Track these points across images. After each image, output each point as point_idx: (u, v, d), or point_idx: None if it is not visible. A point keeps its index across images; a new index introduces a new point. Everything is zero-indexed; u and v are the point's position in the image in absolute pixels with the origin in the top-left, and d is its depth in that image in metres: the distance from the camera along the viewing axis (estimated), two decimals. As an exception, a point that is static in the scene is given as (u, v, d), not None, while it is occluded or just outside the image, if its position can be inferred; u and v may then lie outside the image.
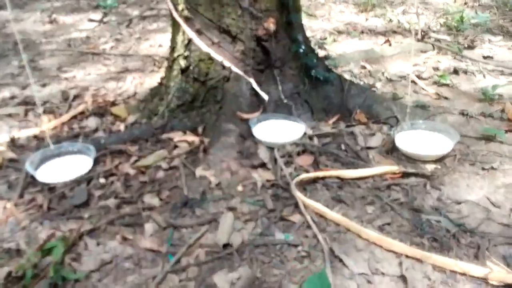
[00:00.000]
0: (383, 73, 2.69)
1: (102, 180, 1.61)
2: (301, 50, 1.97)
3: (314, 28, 3.85)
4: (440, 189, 1.52)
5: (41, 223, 1.41)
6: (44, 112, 2.27)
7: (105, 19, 4.58)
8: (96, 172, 1.65)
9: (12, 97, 2.48)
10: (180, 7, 1.92)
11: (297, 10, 2.00)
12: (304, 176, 1.54)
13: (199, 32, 1.91)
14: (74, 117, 2.20)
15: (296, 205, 1.43)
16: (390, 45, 3.27)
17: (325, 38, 3.50)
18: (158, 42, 3.66)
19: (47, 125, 2.07)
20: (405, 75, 2.67)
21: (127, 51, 3.48)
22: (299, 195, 1.44)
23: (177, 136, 1.88)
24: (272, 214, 1.41)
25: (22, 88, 2.63)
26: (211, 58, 1.91)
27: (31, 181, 1.61)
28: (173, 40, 2.05)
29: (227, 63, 1.91)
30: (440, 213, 1.40)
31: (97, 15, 4.87)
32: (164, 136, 1.90)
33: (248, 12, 1.84)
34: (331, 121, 2.05)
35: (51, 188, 1.57)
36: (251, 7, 1.83)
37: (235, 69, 1.91)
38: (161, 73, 2.86)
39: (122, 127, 2.03)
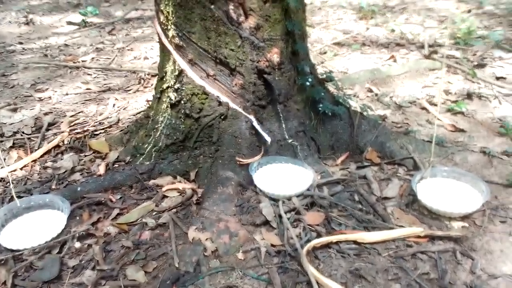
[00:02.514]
0: (391, 98, 2.48)
1: (77, 244, 1.36)
2: (308, 83, 1.74)
3: (312, 39, 3.62)
4: (472, 258, 1.32)
5: (2, 307, 1.16)
6: (14, 146, 2.00)
7: (85, 24, 4.26)
8: (71, 232, 1.40)
9: (-23, 126, 2.20)
10: (170, 33, 1.67)
11: (303, 37, 1.77)
12: (316, 242, 1.32)
13: (192, 63, 1.67)
14: (48, 151, 1.93)
15: (309, 283, 1.21)
16: (395, 61, 3.07)
17: (325, 52, 3.28)
18: (144, 53, 3.39)
19: (14, 165, 1.80)
20: (415, 99, 2.46)
21: (109, 64, 3.19)
22: (312, 271, 1.21)
23: (166, 183, 1.64)
24: (280, 296, 1.19)
25: (-10, 112, 2.35)
26: (205, 93, 1.67)
27: (-7, 245, 1.36)
28: (162, 69, 1.80)
29: (224, 99, 1.67)
30: (476, 291, 1.20)
31: (76, 17, 4.55)
32: (151, 182, 1.65)
33: (249, 42, 1.60)
34: (339, 161, 1.84)
35: (17, 256, 1.31)
36: (252, 36, 1.59)
37: (233, 105, 1.67)
38: (147, 94, 2.61)
39: (102, 167, 1.78)
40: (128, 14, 4.67)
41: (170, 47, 1.71)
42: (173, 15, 1.63)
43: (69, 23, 4.46)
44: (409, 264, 1.29)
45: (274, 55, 1.64)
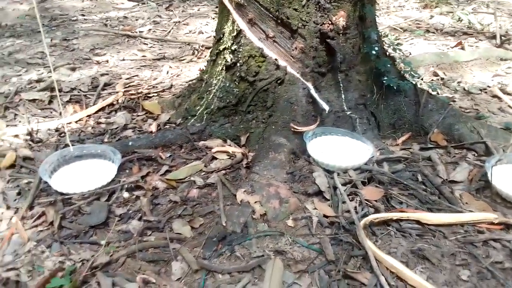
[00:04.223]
0: (459, 83, 2.28)
1: (125, 195, 1.34)
2: (374, 52, 1.62)
3: (372, 23, 3.44)
4: (554, 252, 1.15)
5: (50, 246, 1.16)
6: (70, 101, 2.04)
7: (144, 2, 4.33)
8: (120, 182, 1.38)
9: (39, 80, 2.26)
10: (231, -9, 1.61)
11: (373, 1, 1.64)
12: (374, 217, 1.21)
13: (251, 23, 1.59)
14: (102, 108, 1.95)
15: (365, 258, 1.11)
16: (463, 48, 2.83)
17: (386, 35, 3.09)
18: (199, 28, 3.37)
19: (69, 118, 1.82)
20: (486, 87, 2.25)
21: (165, 36, 3.21)
22: (370, 245, 1.11)
23: (216, 145, 1.59)
24: (332, 267, 1.09)
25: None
26: (263, 55, 1.60)
27: (45, 187, 1.37)
28: (220, 30, 1.74)
29: (282, 63, 1.59)
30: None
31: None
32: (201, 143, 1.61)
33: (314, 2, 1.50)
34: (400, 140, 1.70)
35: (66, 200, 1.31)
36: (319, -5, 1.49)
37: (291, 70, 1.59)
38: (200, 64, 2.58)
39: (153, 126, 1.76)
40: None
41: (230, 6, 1.64)
42: (236, -27, 1.57)
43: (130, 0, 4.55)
44: (480, 251, 1.15)
45: (340, 19, 1.52)
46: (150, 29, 3.36)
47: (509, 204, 1.34)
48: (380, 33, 1.75)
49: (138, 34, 3.19)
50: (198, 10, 4.11)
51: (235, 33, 1.64)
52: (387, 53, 1.78)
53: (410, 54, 2.76)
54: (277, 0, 1.52)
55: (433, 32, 3.25)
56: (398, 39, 3.07)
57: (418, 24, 3.46)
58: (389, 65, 1.67)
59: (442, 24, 3.47)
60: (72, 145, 1.53)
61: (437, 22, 3.52)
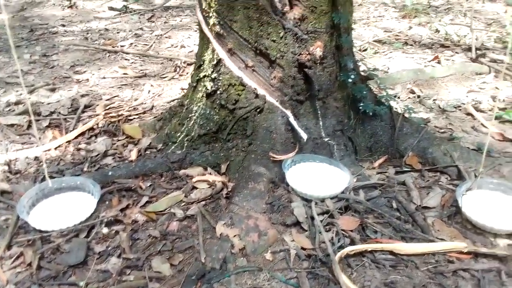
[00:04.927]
0: (434, 101, 2.35)
1: (105, 230, 1.35)
2: (350, 80, 1.66)
3: (352, 36, 3.49)
4: (519, 281, 1.21)
5: None
6: (50, 125, 2.03)
7: (126, 10, 4.30)
8: (100, 217, 1.39)
9: (17, 103, 2.24)
10: (211, 21, 1.62)
11: (348, 31, 1.68)
12: (349, 249, 1.25)
13: (231, 52, 1.62)
14: (82, 133, 1.94)
15: (340, 292, 1.15)
16: (439, 62, 2.91)
17: (365, 49, 3.16)
18: (181, 42, 3.38)
19: (48, 145, 1.81)
20: (460, 104, 2.32)
21: (147, 50, 3.20)
22: (345, 280, 1.15)
23: (196, 174, 1.61)
24: (309, 302, 1.13)
25: (30, 91, 2.39)
26: (242, 84, 1.62)
27: (23, 224, 1.36)
28: (200, 56, 1.75)
29: (261, 91, 1.61)
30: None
31: (118, 2, 4.60)
32: (182, 172, 1.62)
33: (292, 33, 1.53)
34: (377, 164, 1.74)
35: (44, 238, 1.31)
36: (296, 27, 1.52)
37: (270, 98, 1.61)
38: (182, 82, 2.59)
39: (134, 153, 1.76)
40: (168, 2, 4.68)
41: (210, 35, 1.66)
42: (215, 2, 1.59)
43: (111, 8, 4.51)
44: (449, 282, 1.20)
45: (317, 49, 1.56)
46: (131, 43, 3.35)
47: (479, 231, 1.39)
48: (356, 60, 1.78)
49: (119, 49, 3.18)
50: (181, 21, 4.11)
51: (215, 62, 1.66)
52: (364, 79, 1.82)
53: (388, 69, 2.82)
54: (256, 32, 1.55)
55: (411, 45, 3.32)
56: (377, 52, 3.14)
57: (397, 36, 3.53)
58: (365, 92, 1.71)
59: (420, 35, 3.55)
60: (51, 176, 1.52)
61: (415, 34, 3.60)
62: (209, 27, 1.65)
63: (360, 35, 3.52)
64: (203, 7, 1.66)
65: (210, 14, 1.63)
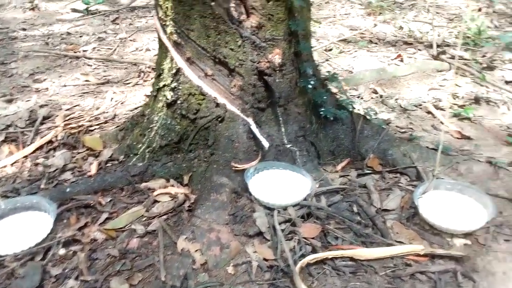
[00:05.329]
0: (396, 100, 2.39)
1: (62, 251, 1.31)
2: (310, 85, 1.67)
3: (318, 35, 3.52)
4: (473, 280, 1.25)
5: (-20, 316, 1.12)
6: (6, 140, 1.95)
7: (88, 12, 4.17)
8: (56, 238, 1.35)
9: (-29, 116, 2.14)
10: (168, 30, 1.59)
11: (307, 37, 1.69)
12: (310, 258, 1.26)
13: (190, 61, 1.60)
14: (40, 147, 1.88)
15: (301, 302, 1.16)
16: (402, 60, 2.97)
17: (331, 49, 3.18)
18: (146, 45, 3.31)
19: (4, 161, 1.75)
20: (421, 102, 2.38)
21: (110, 54, 3.12)
22: (304, 290, 1.16)
23: (158, 186, 1.58)
24: (270, 315, 1.13)
25: (-16, 103, 2.29)
26: (203, 93, 1.60)
27: (-25, 249, 1.31)
28: (159, 66, 1.72)
29: (221, 100, 1.60)
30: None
31: (82, 4, 4.46)
32: (143, 185, 1.60)
33: (249, 41, 1.52)
34: (340, 167, 1.77)
35: (-2, 262, 1.27)
36: (253, 35, 1.51)
37: (230, 107, 1.60)
38: (146, 88, 2.54)
39: (94, 166, 1.72)
40: (134, 1, 4.57)
41: (168, 44, 1.64)
42: (171, 11, 1.56)
43: (74, 10, 4.38)
44: (407, 285, 1.23)
45: (276, 56, 1.56)
46: (94, 48, 3.26)
47: (436, 232, 1.44)
48: (316, 66, 1.80)
49: (81, 54, 3.09)
50: (146, 22, 4.02)
51: (174, 71, 1.63)
52: (325, 84, 1.84)
53: (353, 68, 2.86)
54: (214, 40, 1.53)
55: (376, 43, 3.37)
56: (342, 52, 3.17)
57: (363, 34, 3.58)
58: (325, 97, 1.73)
59: (385, 33, 3.61)
60: (6, 196, 1.47)
61: (380, 31, 3.65)
62: (167, 35, 1.62)
63: (326, 34, 3.54)
64: (160, 15, 1.63)
65: (167, 23, 1.60)
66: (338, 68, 2.90)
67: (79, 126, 2.04)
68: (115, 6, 4.61)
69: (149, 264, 1.27)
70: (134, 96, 2.45)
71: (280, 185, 1.56)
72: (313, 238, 1.37)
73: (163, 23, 1.63)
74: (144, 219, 1.45)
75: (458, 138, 2.04)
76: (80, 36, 3.58)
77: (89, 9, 4.26)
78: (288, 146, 1.67)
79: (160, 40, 1.69)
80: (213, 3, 1.46)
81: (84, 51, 3.19)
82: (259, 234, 1.38)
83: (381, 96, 2.44)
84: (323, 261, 1.30)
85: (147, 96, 2.35)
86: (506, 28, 3.64)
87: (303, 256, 1.29)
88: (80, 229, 1.40)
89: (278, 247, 1.33)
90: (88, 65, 2.94)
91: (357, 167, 1.78)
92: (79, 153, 1.84)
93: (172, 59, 1.64)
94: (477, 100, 2.39)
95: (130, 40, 3.47)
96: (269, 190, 1.52)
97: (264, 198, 1.48)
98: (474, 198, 1.52)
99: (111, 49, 3.25)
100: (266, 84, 1.61)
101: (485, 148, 1.95)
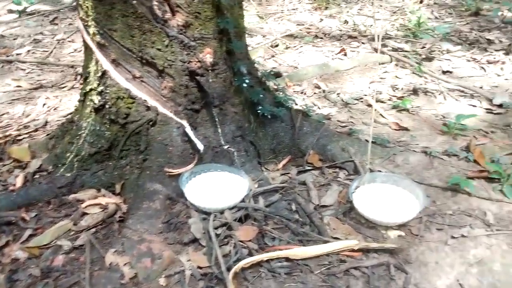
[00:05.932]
0: (338, 94, 2.42)
1: (-22, 275, 1.21)
2: (245, 84, 1.64)
3: (265, 31, 3.50)
4: (406, 272, 1.27)
5: None
6: None
7: (20, 15, 3.91)
8: (-28, 260, 1.24)
9: None
10: (91, 30, 1.51)
11: (240, 35, 1.65)
12: (244, 263, 1.24)
13: (116, 63, 1.52)
14: (-39, 161, 1.73)
15: (234, 310, 1.13)
16: (345, 54, 3.01)
17: (277, 45, 3.17)
18: (85, 46, 3.14)
19: None
20: (362, 96, 2.42)
21: (46, 57, 2.95)
22: (237, 297, 1.13)
23: (88, 197, 1.50)
24: (202, 325, 1.10)
25: None
26: (132, 96, 1.53)
27: None
28: (86, 68, 1.63)
29: (152, 103, 1.54)
30: (407, 308, 1.16)
31: (19, 5, 4.19)
32: (71, 197, 1.51)
33: (177, 41, 1.46)
34: (281, 165, 1.76)
35: None
36: (181, 34, 1.46)
37: (162, 110, 1.54)
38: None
39: (20, 179, 1.60)
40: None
41: (92, 45, 1.55)
42: (92, 10, 1.47)
43: (10, 11, 4.10)
44: (341, 282, 1.23)
45: (207, 55, 1.51)
46: (29, 51, 3.06)
47: (371, 225, 1.45)
48: (253, 63, 1.77)
49: (14, 58, 2.89)
50: (87, 21, 3.83)
51: (100, 74, 1.55)
52: (262, 82, 1.81)
53: (298, 64, 2.86)
54: (139, 41, 1.46)
55: (321, 38, 3.40)
56: (288, 47, 3.18)
57: (309, 29, 3.60)
58: (262, 95, 1.71)
59: (330, 27, 3.65)
60: None
61: (326, 26, 3.69)
62: (90, 36, 1.53)
63: (273, 30, 3.53)
64: (81, 15, 1.54)
65: (89, 23, 1.51)
66: (283, 64, 2.90)
67: (6, 136, 1.90)
68: (57, 5, 4.37)
69: (74, 282, 1.20)
70: (69, 100, 2.32)
71: (217, 188, 1.52)
72: (249, 240, 1.35)
73: (85, 23, 1.54)
74: (71, 233, 1.37)
75: (396, 129, 2.08)
76: (14, 39, 3.35)
77: (27, 9, 4.01)
78: (226, 147, 1.63)
79: (84, 42, 1.60)
80: (134, 2, 1.39)
81: (17, 54, 3.00)
82: (194, 241, 1.34)
83: (323, 91, 2.45)
84: (259, 264, 1.28)
85: (75, 110, 2.24)
86: (445, 19, 3.79)
87: (238, 260, 1.26)
88: (0, 248, 1.29)
89: (213, 253, 1.29)
90: (22, 69, 2.76)
91: (298, 164, 1.77)
92: (4, 165, 1.72)
93: (97, 62, 1.55)
94: (415, 91, 2.46)
95: (69, 41, 3.29)
96: (206, 194, 1.48)
97: (200, 202, 1.43)
98: (408, 189, 1.55)
99: (47, 51, 3.07)
100: (199, 84, 1.56)
101: (421, 138, 2.00)
